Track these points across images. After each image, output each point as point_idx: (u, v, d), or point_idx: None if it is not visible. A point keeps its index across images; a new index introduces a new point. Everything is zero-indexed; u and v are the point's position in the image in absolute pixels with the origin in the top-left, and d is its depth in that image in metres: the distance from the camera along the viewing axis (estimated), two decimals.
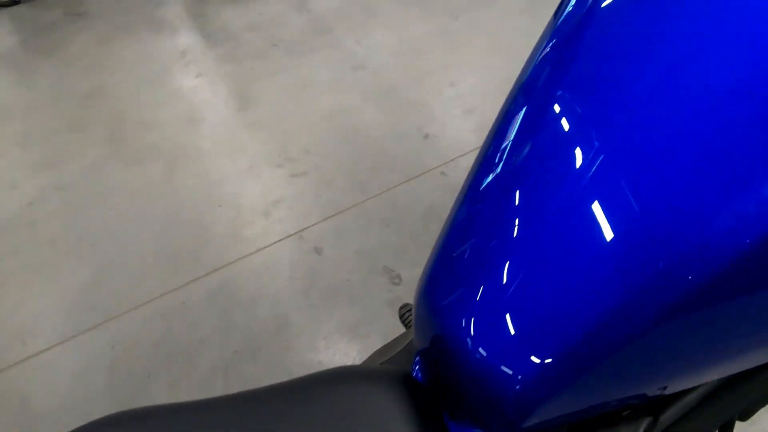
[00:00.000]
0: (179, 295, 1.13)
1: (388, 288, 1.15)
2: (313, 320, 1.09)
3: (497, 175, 0.34)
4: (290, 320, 1.09)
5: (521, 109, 0.36)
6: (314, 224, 1.26)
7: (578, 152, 0.27)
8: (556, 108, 0.30)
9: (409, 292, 1.16)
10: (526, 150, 0.32)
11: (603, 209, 0.25)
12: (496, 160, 0.35)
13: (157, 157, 1.42)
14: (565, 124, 0.29)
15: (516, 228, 0.29)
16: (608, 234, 0.24)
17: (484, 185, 0.35)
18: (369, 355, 0.58)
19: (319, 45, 1.73)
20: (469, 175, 0.41)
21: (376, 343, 1.05)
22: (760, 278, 0.22)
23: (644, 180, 0.24)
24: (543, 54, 0.36)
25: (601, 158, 0.26)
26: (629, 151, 0.25)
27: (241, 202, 1.31)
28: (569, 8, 0.36)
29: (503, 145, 0.36)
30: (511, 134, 0.34)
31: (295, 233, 1.24)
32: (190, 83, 1.63)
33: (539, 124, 0.32)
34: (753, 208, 0.21)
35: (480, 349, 0.29)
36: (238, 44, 1.75)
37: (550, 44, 0.36)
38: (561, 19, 0.36)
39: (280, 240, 1.23)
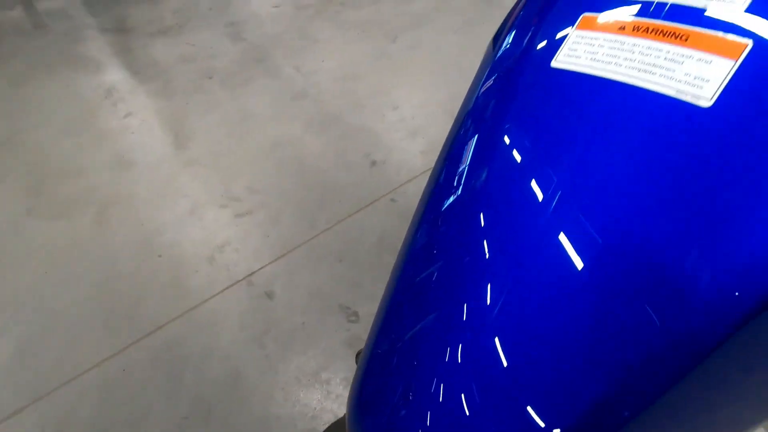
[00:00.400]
0: (118, 361, 1.04)
1: (346, 327, 1.11)
2: (268, 371, 1.04)
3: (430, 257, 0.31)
4: (244, 374, 1.03)
5: (462, 159, 0.33)
6: (263, 266, 1.20)
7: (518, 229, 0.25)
8: (502, 159, 0.28)
9: (367, 329, 1.13)
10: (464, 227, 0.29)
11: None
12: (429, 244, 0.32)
13: (85, 208, 1.31)
14: (509, 178, 0.27)
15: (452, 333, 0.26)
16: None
17: (418, 265, 0.32)
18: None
19: (256, 74, 1.68)
20: (403, 246, 0.39)
21: (338, 389, 1.01)
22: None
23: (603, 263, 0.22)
24: (486, 87, 0.34)
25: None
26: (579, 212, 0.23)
27: (183, 250, 1.23)
28: (509, 38, 0.35)
29: (440, 216, 0.33)
30: (454, 188, 0.31)
31: (244, 278, 1.18)
32: (118, 124, 1.53)
33: (482, 178, 0.30)
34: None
35: None
36: (170, 78, 1.66)
37: (493, 77, 0.34)
38: (502, 50, 0.35)
39: (228, 287, 1.16)
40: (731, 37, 0.20)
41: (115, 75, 1.70)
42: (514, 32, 0.33)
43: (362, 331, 1.11)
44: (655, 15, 0.23)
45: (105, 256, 1.22)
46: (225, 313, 1.12)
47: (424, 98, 1.66)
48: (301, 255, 1.23)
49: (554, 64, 0.26)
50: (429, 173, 1.49)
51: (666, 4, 0.23)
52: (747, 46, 0.20)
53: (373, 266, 1.21)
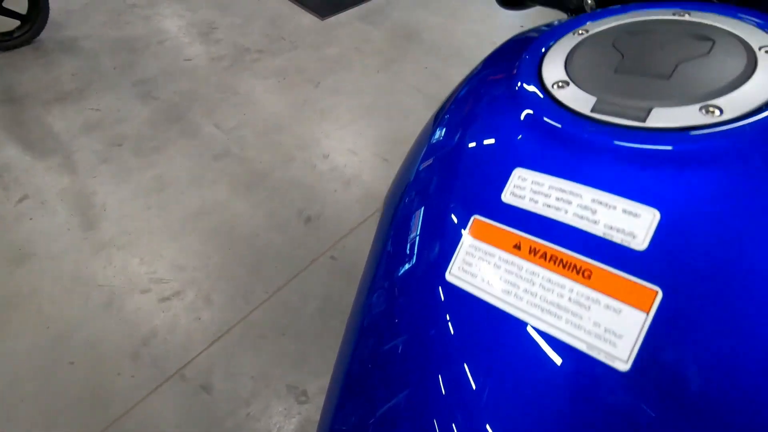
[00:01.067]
0: None
1: (296, 410, 1.02)
2: None
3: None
4: None
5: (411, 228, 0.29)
6: (197, 355, 1.09)
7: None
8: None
9: (318, 407, 1.05)
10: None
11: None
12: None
13: None
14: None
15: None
16: None
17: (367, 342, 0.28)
18: None
19: (172, 136, 1.57)
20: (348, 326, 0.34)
21: None
22: None
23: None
24: (423, 168, 0.31)
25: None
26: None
27: (100, 351, 1.08)
28: (447, 117, 0.32)
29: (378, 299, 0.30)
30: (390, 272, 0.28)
31: (176, 373, 1.06)
32: (11, 211, 1.35)
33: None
34: None
35: None
36: (72, 151, 1.51)
37: (432, 157, 0.30)
38: (441, 132, 0.31)
39: (158, 387, 1.04)
40: (638, 281, 0.17)
41: (5, 153, 1.51)
42: (436, 137, 0.30)
43: (314, 411, 1.03)
44: (553, 237, 0.20)
45: (4, 369, 1.04)
46: (157, 418, 0.99)
47: (354, 143, 1.63)
48: (238, 335, 1.13)
49: (449, 277, 0.22)
50: (367, 223, 1.45)
51: (563, 225, 0.20)
52: (657, 294, 0.17)
53: (318, 335, 1.14)
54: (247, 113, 1.68)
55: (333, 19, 2.19)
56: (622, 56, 0.23)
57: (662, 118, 0.20)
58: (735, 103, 0.20)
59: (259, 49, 1.96)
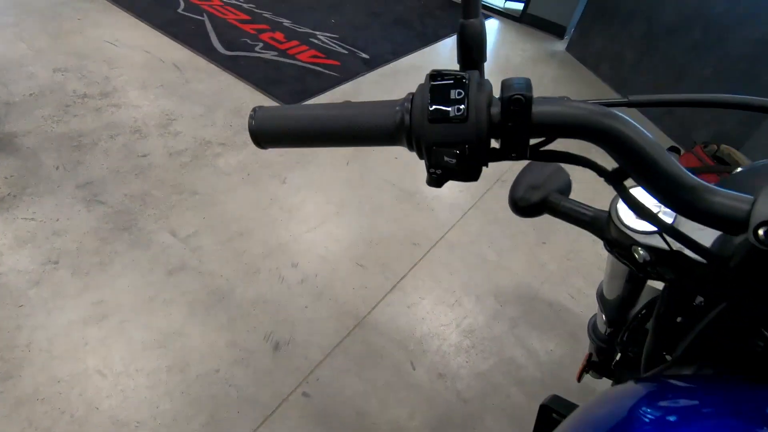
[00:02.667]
0: None
1: None
2: None
3: None
4: None
5: None
6: None
7: None
8: None
9: None
10: None
11: None
12: None
13: None
14: None
15: None
16: None
17: None
18: None
19: (120, 248, 1.40)
20: None
21: None
22: None
23: None
24: None
25: None
26: None
27: None
28: None
29: None
30: None
31: None
32: None
33: None
34: None
35: None
36: None
37: None
38: None
39: None
40: None
41: None
42: None
43: None
44: None
45: None
46: None
47: (325, 248, 1.53)
48: None
49: None
50: (343, 346, 1.30)
51: None
52: None
53: None
54: (207, 216, 1.55)
55: None
56: None
57: None
58: None
59: (222, 142, 1.87)
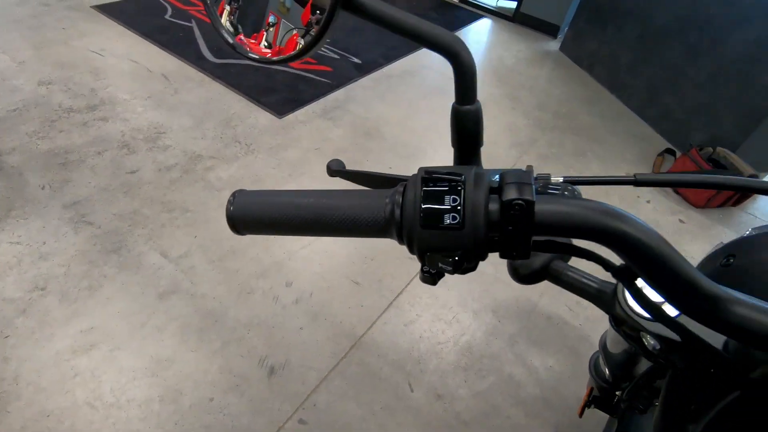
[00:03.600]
0: None
1: None
2: None
3: None
4: None
5: None
6: None
7: None
8: None
9: None
10: None
11: None
12: None
13: None
14: None
15: None
16: None
17: None
18: None
19: (109, 272, 1.37)
20: None
21: None
22: None
23: None
24: None
25: None
26: None
27: None
28: None
29: None
30: None
31: None
32: None
33: None
34: None
35: None
36: None
37: None
38: None
39: None
40: None
41: None
42: None
43: None
44: None
45: None
46: None
47: (320, 265, 1.50)
48: None
49: None
50: (340, 368, 1.27)
51: None
52: None
53: None
54: (199, 235, 1.52)
55: (291, 116, 2.12)
56: None
57: None
58: None
59: (212, 155, 1.83)
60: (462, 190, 0.27)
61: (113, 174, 1.67)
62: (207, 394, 1.14)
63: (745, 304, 0.25)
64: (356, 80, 2.45)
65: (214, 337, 1.26)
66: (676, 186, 0.35)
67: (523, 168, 0.30)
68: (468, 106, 0.30)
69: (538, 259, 0.44)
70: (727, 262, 0.42)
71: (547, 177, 0.34)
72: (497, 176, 0.29)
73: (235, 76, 2.27)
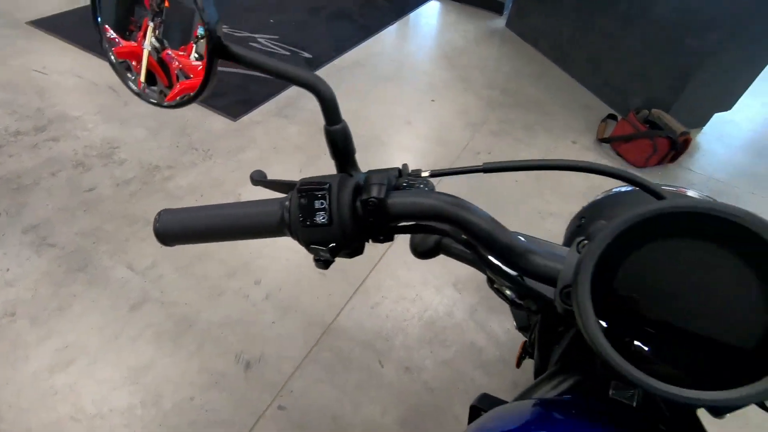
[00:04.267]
0: None
1: None
2: None
3: None
4: None
5: None
6: None
7: None
8: None
9: None
10: None
11: None
12: None
13: None
14: None
15: None
16: None
17: None
18: None
19: (78, 290, 1.39)
20: None
21: None
22: None
23: None
24: None
25: None
26: None
27: None
28: None
29: None
30: None
31: None
32: None
33: None
34: None
35: None
36: None
37: None
38: None
39: None
40: None
41: None
42: None
43: None
44: None
45: None
46: None
47: (287, 259, 1.56)
48: None
49: None
50: (313, 355, 1.36)
51: None
52: None
53: None
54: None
55: (246, 118, 2.14)
56: None
57: None
58: None
59: (170, 165, 1.85)
60: (328, 195, 0.34)
61: (71, 194, 1.67)
62: (187, 394, 1.20)
63: (540, 254, 0.33)
64: None
65: (189, 340, 1.32)
66: (522, 170, 0.42)
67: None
68: (336, 126, 0.37)
69: (432, 238, 0.51)
70: (580, 223, 0.51)
71: (418, 171, 0.42)
72: (364, 178, 0.36)
73: None
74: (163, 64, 0.46)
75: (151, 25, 0.46)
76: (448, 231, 0.39)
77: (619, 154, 2.17)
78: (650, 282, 0.23)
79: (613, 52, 2.44)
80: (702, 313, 0.21)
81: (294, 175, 1.94)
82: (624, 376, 0.22)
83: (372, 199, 0.34)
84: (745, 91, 2.35)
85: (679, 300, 0.22)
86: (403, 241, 0.53)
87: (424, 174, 0.41)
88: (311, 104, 2.26)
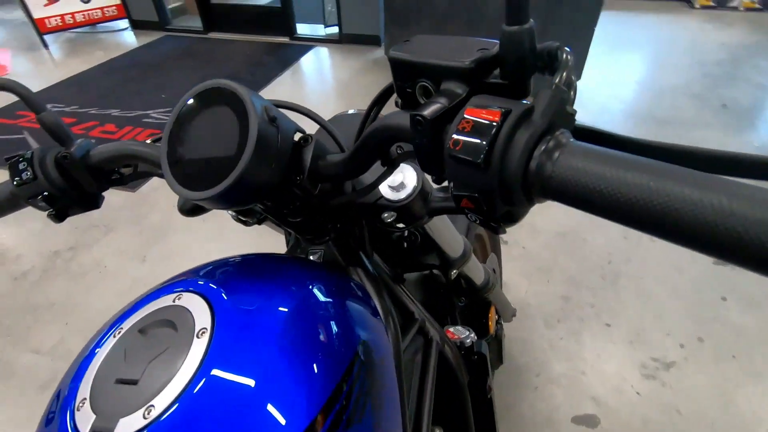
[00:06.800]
0: None
1: None
2: None
3: None
4: None
5: None
6: None
7: None
8: None
9: None
10: None
11: None
12: None
13: None
14: None
15: None
16: None
17: None
18: None
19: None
20: None
21: None
22: None
23: None
24: None
25: None
26: None
27: None
28: None
29: None
30: None
31: None
32: None
33: None
34: None
35: None
36: None
37: None
38: None
39: None
40: None
41: None
42: None
43: None
44: None
45: None
46: None
47: None
48: None
49: None
50: None
51: None
52: None
53: None
54: (70, 321, 1.54)
55: (145, 187, 2.19)
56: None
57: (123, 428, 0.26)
58: (163, 398, 0.27)
59: (71, 246, 1.85)
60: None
61: None
62: None
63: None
64: None
65: None
66: None
67: None
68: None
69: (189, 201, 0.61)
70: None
71: None
72: None
73: None
74: None
75: None
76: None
77: None
78: (197, 135, 0.34)
79: None
80: (218, 144, 0.33)
81: (198, 228, 1.99)
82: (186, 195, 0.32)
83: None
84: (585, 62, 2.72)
85: (209, 140, 0.33)
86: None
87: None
88: None
